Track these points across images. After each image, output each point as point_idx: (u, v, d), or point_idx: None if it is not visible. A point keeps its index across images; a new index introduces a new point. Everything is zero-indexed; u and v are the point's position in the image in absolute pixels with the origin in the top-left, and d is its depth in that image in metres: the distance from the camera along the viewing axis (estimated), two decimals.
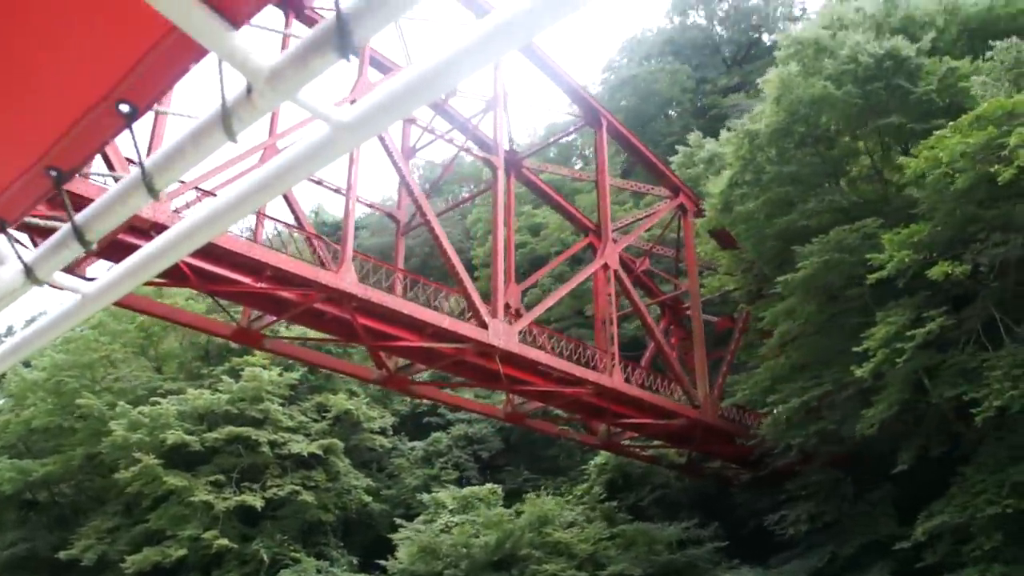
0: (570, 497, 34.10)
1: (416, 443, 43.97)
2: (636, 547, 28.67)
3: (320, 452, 38.60)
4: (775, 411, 26.09)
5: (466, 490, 34.57)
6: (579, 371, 25.61)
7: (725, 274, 32.87)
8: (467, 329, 22.67)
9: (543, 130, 70.62)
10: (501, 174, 25.65)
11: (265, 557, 36.47)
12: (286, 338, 24.34)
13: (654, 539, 28.41)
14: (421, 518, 36.25)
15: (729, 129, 38.82)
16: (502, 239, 25.06)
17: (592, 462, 35.40)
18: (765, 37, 62.48)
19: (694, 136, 37.24)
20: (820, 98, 25.87)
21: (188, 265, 19.73)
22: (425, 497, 36.43)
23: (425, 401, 46.21)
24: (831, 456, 27.24)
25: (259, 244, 21.05)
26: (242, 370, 39.52)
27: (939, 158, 21.33)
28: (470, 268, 39.80)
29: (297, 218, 24.57)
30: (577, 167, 59.20)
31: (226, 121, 1.79)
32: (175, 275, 20.15)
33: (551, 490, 36.12)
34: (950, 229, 22.07)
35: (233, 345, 42.09)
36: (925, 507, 25.50)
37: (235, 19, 1.64)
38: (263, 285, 20.71)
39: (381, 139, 22.67)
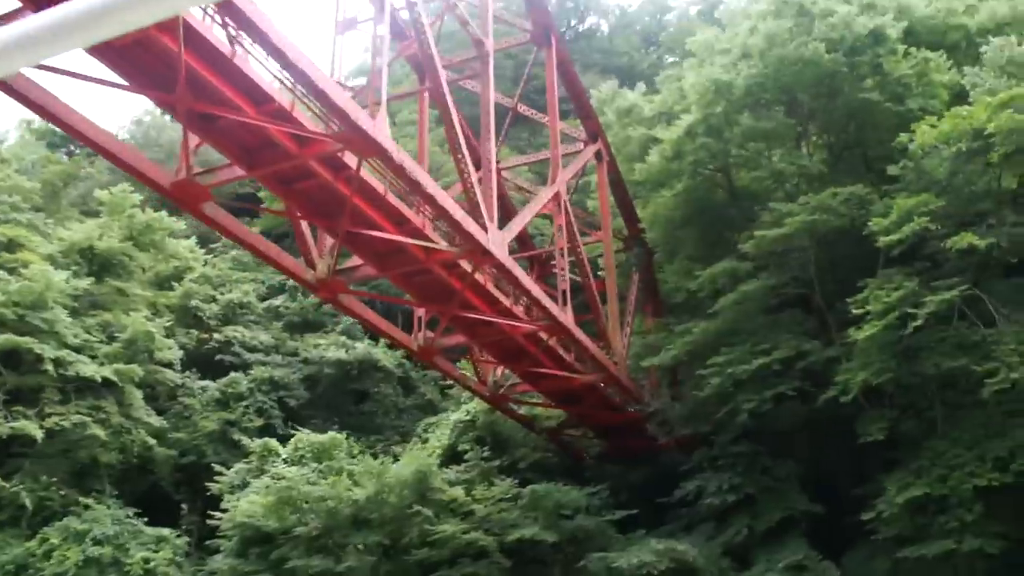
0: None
1: (208, 382, 37.54)
2: (540, 510, 25.72)
3: (115, 378, 31.42)
4: (726, 372, 24.53)
5: (325, 436, 29.50)
6: (547, 301, 22.44)
7: (642, 230, 31.17)
8: (473, 227, 18.72)
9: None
10: (492, 59, 21.92)
11: (28, 503, 28.83)
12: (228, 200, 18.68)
13: (561, 503, 25.67)
14: (241, 465, 30.73)
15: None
16: (494, 137, 21.29)
17: (452, 418, 31.94)
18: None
19: (607, 85, 35.15)
20: (809, 60, 24.99)
21: None
22: (255, 443, 30.87)
23: (215, 336, 40.31)
24: (742, 428, 26.33)
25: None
26: (19, 267, 31.26)
27: (969, 127, 21.07)
28: None
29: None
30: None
31: None
32: None
33: (367, 448, 32.12)
34: (962, 201, 21.94)
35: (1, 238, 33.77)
36: (827, 482, 25.93)
37: None
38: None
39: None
